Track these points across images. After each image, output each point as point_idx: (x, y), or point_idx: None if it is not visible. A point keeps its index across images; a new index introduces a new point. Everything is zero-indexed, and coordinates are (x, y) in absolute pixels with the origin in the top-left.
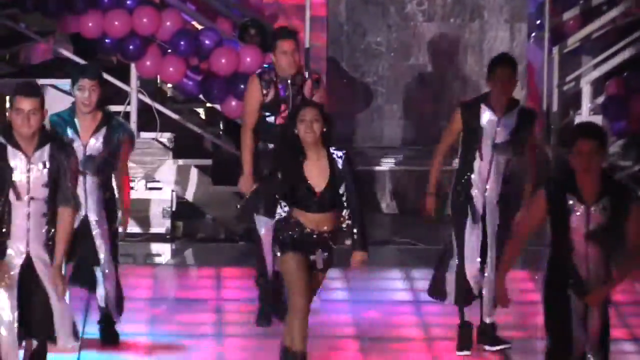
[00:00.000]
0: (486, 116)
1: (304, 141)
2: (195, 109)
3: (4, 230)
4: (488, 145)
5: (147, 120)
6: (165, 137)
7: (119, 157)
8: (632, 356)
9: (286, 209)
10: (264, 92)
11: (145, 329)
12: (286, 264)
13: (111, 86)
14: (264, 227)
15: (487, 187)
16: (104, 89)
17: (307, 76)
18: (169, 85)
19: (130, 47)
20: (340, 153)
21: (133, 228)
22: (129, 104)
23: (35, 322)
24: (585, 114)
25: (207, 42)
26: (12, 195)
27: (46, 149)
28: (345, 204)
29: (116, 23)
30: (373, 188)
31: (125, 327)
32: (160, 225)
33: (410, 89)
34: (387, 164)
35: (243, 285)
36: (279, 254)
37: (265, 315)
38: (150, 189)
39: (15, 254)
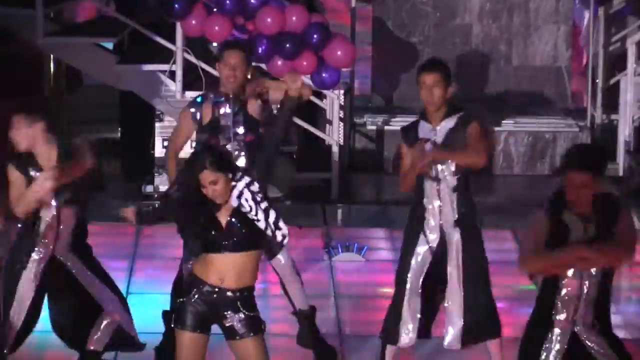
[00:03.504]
0: (422, 129)
1: None
2: None
3: None
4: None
5: (193, 79)
6: None
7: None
8: None
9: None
10: (197, 117)
11: None
12: (179, 341)
13: (156, 45)
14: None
15: (441, 204)
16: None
17: (250, 93)
18: (215, 44)
19: (176, 5)
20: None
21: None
22: (174, 63)
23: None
24: (630, 75)
25: (252, 1)
26: None
27: None
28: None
29: None
30: None
31: (163, 288)
32: None
33: (456, 49)
34: None
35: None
36: (174, 324)
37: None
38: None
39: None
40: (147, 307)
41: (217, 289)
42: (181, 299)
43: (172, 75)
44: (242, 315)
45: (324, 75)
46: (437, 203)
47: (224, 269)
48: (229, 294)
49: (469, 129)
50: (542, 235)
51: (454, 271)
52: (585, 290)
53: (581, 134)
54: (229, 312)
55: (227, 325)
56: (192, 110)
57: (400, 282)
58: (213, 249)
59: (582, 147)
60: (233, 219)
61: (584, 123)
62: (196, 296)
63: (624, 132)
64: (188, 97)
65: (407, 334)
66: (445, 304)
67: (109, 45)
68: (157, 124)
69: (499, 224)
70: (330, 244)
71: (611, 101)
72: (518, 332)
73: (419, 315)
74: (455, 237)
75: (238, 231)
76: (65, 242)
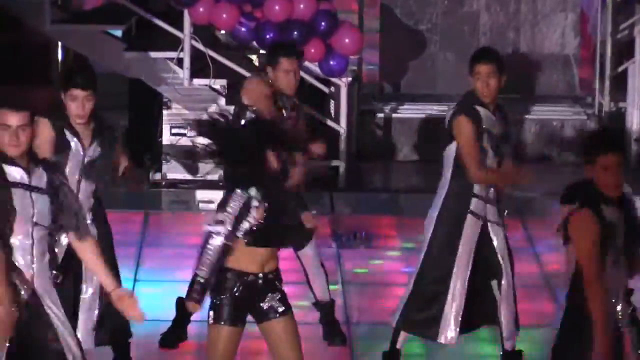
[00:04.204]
0: (485, 116)
1: None
2: (249, 56)
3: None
4: (491, 148)
5: (200, 67)
6: (219, 83)
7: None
8: None
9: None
10: None
11: None
12: (215, 336)
13: (164, 32)
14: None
15: (490, 194)
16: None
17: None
18: (222, 31)
19: None
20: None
21: (186, 175)
22: (182, 50)
23: None
24: (638, 62)
25: None
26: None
27: (41, 168)
28: None
29: None
30: (427, 135)
31: (179, 274)
32: (213, 171)
33: (464, 37)
34: (442, 111)
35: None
36: (211, 320)
37: (172, 337)
38: None
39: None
40: (155, 295)
41: (260, 275)
42: (220, 296)
43: (179, 62)
44: (278, 294)
45: (331, 62)
46: (490, 191)
47: (267, 257)
48: (270, 276)
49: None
50: (597, 237)
51: (505, 261)
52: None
53: (589, 122)
54: (268, 294)
55: (266, 307)
56: None
57: (442, 276)
58: (265, 243)
59: (607, 129)
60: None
61: (591, 111)
62: (240, 289)
63: (632, 120)
64: (195, 85)
65: (451, 331)
66: (500, 295)
67: (117, 33)
68: (164, 112)
69: (506, 212)
70: (338, 232)
71: (619, 89)
72: (524, 321)
73: (461, 312)
74: (499, 227)
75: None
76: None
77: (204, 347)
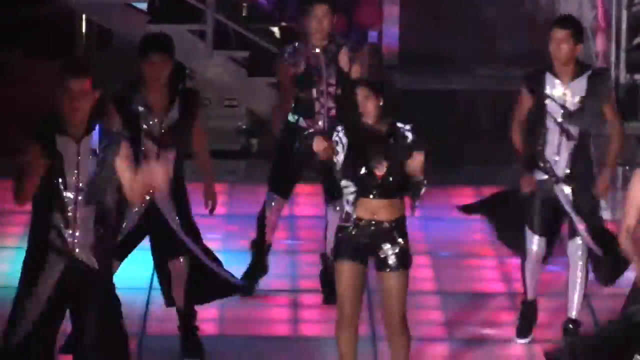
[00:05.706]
0: (550, 82)
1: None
2: (270, 28)
3: None
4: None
5: (223, 39)
6: (240, 55)
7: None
8: None
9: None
10: (293, 63)
11: (219, 245)
12: (339, 274)
13: (187, 5)
14: (275, 202)
15: (557, 159)
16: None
17: (341, 46)
18: (245, 4)
19: None
20: (407, 127)
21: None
22: (204, 22)
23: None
24: None
25: None
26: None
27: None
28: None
29: None
30: (446, 107)
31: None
32: (234, 142)
33: (482, 9)
34: (461, 83)
35: (316, 202)
36: (332, 258)
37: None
38: (225, 106)
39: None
40: None
41: (373, 222)
42: (340, 234)
43: (202, 35)
44: (396, 249)
45: (352, 36)
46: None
47: (374, 208)
48: (385, 225)
49: (608, 99)
50: None
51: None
52: None
53: None
54: (385, 244)
55: (382, 256)
56: (286, 56)
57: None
58: (365, 194)
59: None
60: (388, 170)
61: None
62: (354, 231)
63: None
64: (218, 57)
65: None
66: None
67: (141, 5)
68: (187, 84)
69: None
70: None
71: (635, 61)
72: None
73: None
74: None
75: (388, 180)
76: None
77: (225, 317)
